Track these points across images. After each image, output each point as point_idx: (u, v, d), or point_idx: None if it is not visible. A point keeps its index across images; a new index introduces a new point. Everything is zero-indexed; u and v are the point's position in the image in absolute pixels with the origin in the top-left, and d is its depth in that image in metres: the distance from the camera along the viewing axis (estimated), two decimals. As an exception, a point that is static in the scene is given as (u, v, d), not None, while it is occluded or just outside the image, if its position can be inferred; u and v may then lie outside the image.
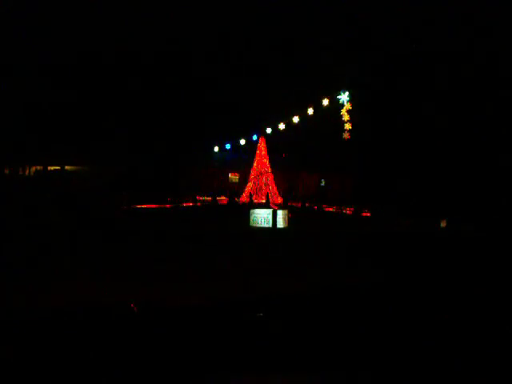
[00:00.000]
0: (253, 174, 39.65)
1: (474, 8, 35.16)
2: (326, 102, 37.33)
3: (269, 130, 39.94)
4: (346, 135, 36.42)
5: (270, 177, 39.83)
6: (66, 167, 44.06)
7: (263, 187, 38.87)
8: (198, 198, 36.03)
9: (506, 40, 35.18)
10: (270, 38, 43.17)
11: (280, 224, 20.81)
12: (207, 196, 37.65)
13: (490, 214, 26.11)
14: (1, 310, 6.98)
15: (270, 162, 40.22)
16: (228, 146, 41.49)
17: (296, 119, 38.41)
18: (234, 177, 42.74)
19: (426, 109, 35.99)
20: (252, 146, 40.58)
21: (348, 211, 32.17)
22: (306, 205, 34.15)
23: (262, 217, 21.01)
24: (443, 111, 35.99)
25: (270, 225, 20.64)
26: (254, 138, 40.21)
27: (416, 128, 36.80)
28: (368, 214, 30.14)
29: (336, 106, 37.18)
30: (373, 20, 39.04)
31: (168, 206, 32.95)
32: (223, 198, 37.67)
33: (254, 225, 20.94)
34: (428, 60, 37.91)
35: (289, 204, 33.78)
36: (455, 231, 21.47)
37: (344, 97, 36.52)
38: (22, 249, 12.79)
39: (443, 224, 23.11)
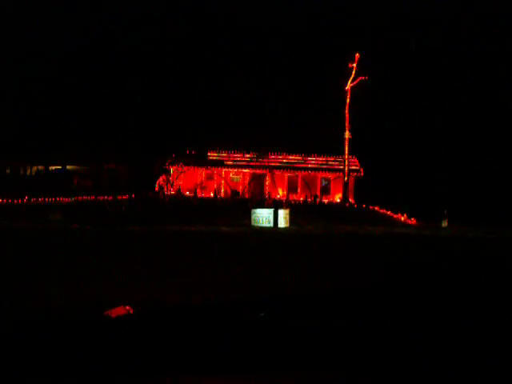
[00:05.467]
0: (254, 173, 39.70)
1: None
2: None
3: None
4: (347, 134, 36.35)
5: (271, 176, 39.84)
6: (68, 167, 44.08)
7: (264, 186, 38.91)
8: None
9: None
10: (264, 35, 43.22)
11: (281, 224, 20.79)
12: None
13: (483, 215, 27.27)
14: None
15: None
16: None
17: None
18: (235, 176, 42.70)
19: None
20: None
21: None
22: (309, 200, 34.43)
23: (263, 216, 20.97)
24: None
25: (272, 224, 20.61)
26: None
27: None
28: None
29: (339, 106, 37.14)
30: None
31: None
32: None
33: (256, 224, 20.92)
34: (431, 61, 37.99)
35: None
36: (455, 229, 22.29)
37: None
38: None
39: (444, 224, 24.01)
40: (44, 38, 43.74)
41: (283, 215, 21.05)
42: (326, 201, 39.29)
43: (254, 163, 40.35)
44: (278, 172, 41.21)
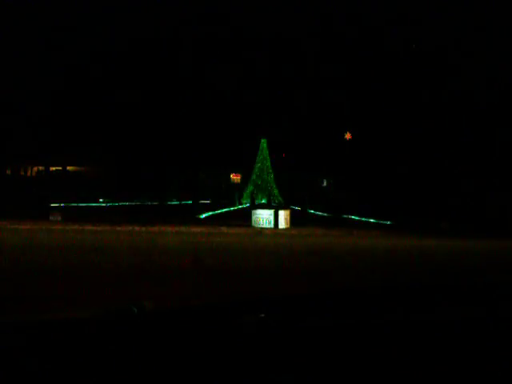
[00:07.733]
0: (254, 174, 39.66)
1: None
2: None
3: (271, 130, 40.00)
4: (347, 135, 36.41)
5: (272, 177, 39.85)
6: (68, 167, 44.09)
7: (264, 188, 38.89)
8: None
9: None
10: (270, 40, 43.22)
11: (282, 225, 20.78)
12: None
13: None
14: None
15: (271, 162, 40.25)
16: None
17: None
18: (236, 178, 42.75)
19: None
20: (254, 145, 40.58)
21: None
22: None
23: (263, 217, 20.98)
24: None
25: (272, 225, 20.60)
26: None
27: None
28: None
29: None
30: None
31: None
32: None
33: (256, 225, 20.92)
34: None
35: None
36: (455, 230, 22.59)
37: None
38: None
39: (444, 225, 24.21)
40: (44, 39, 43.78)
41: (284, 216, 21.05)
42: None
43: (253, 165, 40.36)
44: (277, 173, 41.24)
